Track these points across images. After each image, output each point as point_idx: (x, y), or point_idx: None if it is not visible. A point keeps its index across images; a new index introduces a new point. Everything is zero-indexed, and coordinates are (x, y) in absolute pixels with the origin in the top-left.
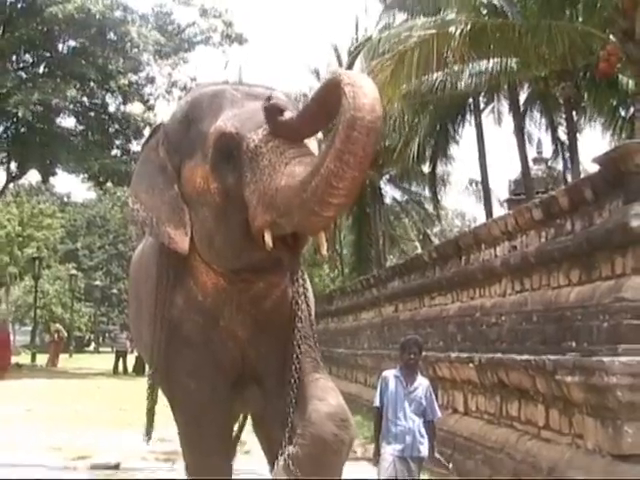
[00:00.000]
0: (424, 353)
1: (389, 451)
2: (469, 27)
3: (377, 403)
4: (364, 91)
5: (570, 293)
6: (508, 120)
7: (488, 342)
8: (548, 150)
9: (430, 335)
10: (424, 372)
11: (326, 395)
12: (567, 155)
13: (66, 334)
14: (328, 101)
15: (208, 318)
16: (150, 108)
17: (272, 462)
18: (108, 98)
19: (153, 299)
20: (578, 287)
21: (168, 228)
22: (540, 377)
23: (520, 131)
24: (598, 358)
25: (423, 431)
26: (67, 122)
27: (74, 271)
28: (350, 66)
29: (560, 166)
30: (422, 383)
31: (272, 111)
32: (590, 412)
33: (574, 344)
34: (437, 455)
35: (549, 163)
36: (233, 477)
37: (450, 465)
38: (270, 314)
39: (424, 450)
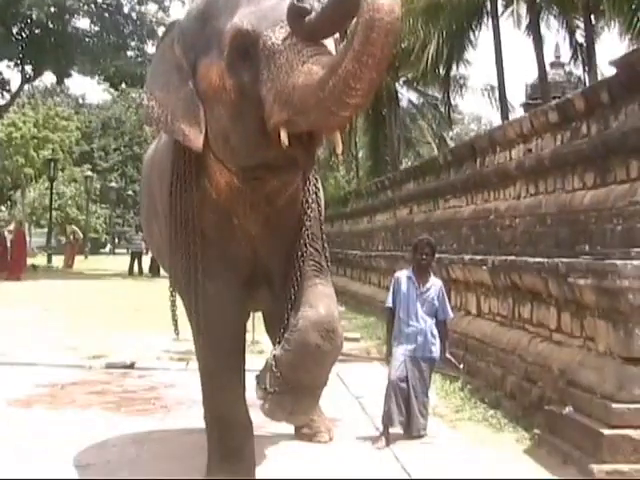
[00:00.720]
0: (438, 255)
1: (400, 351)
2: None
3: (389, 303)
4: None
5: (584, 196)
6: (526, 24)
7: (502, 245)
8: (566, 55)
9: (444, 237)
10: (437, 273)
11: (318, 302)
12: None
13: (82, 236)
14: (347, 1)
15: (222, 216)
16: (164, 9)
17: None
18: None
19: (168, 196)
20: (592, 190)
21: (182, 125)
22: (552, 280)
23: (537, 34)
24: (610, 261)
25: (435, 332)
26: (81, 23)
27: (89, 173)
28: None
29: (579, 71)
30: (435, 284)
31: (296, 12)
32: (602, 315)
33: (587, 247)
34: (448, 355)
35: (567, 67)
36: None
37: (461, 365)
38: (282, 213)
39: (436, 351)
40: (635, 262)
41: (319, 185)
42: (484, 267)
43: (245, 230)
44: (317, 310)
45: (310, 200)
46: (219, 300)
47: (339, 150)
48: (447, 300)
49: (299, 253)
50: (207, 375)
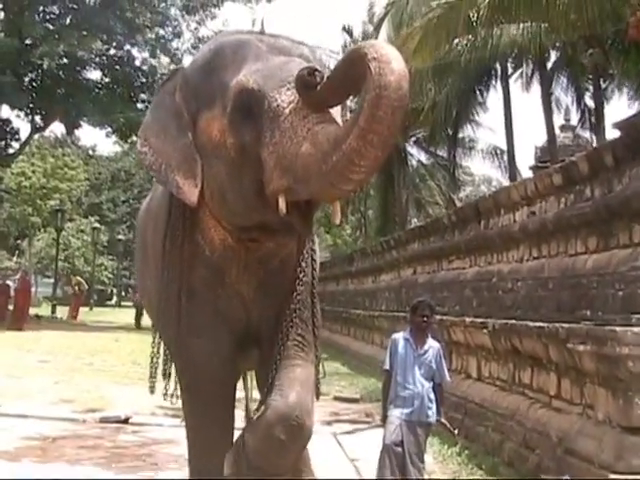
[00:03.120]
0: (440, 317)
1: (396, 414)
2: None
3: (387, 366)
4: (391, 67)
5: (587, 260)
6: (536, 87)
7: (503, 308)
8: (575, 118)
9: (446, 299)
10: (439, 336)
11: (289, 390)
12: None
13: (87, 287)
14: (352, 73)
15: (214, 273)
16: (176, 63)
17: None
18: (134, 51)
19: (160, 248)
20: (595, 255)
21: (177, 176)
22: (553, 345)
23: (547, 97)
24: (611, 327)
25: (432, 396)
26: (92, 74)
27: (97, 224)
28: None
29: (587, 134)
30: (433, 346)
31: (304, 84)
32: (601, 382)
33: (588, 312)
34: (443, 420)
35: (575, 131)
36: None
37: (456, 431)
38: (276, 276)
39: (432, 415)
40: (635, 329)
41: (315, 247)
42: (485, 330)
43: (237, 290)
44: (286, 400)
45: (304, 264)
46: (208, 359)
47: (337, 220)
48: (444, 363)
49: (286, 322)
50: (193, 435)
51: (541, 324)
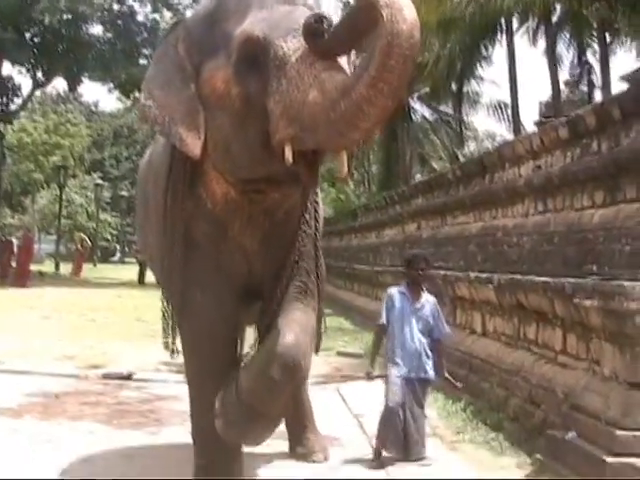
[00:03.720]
0: (444, 272)
1: (395, 372)
2: None
3: (383, 320)
4: (403, 15)
5: (593, 215)
6: (541, 42)
7: (508, 263)
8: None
9: (451, 254)
10: (437, 289)
11: (287, 331)
12: (594, 78)
13: (90, 244)
14: (362, 21)
15: (217, 227)
16: (179, 17)
17: None
18: (136, 6)
19: (162, 203)
20: (602, 209)
21: (181, 129)
22: (558, 300)
23: (552, 52)
24: (618, 282)
25: (429, 352)
26: (94, 30)
27: (100, 181)
28: None
29: (586, 90)
30: (429, 300)
31: (312, 31)
32: (608, 338)
33: (595, 267)
34: (447, 375)
35: (579, 86)
36: None
37: (460, 384)
38: (278, 228)
39: (430, 371)
40: None
41: (319, 200)
42: (490, 285)
43: (240, 243)
44: (285, 339)
45: (307, 217)
46: (210, 315)
47: (343, 172)
48: (442, 317)
49: (287, 272)
50: (195, 391)
51: (547, 279)
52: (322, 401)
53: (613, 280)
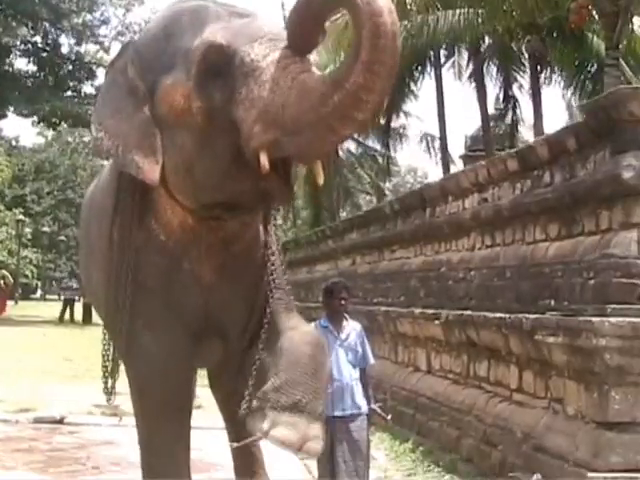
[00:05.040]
0: (386, 308)
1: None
2: None
3: None
4: None
5: (548, 248)
6: (466, 75)
7: (455, 298)
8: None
9: (390, 290)
10: (382, 326)
11: (299, 324)
12: (518, 112)
13: (12, 281)
14: (326, 11)
15: (171, 260)
16: (106, 50)
17: (231, 418)
18: (61, 39)
19: (107, 238)
20: (557, 242)
21: (136, 156)
22: (514, 337)
23: (481, 85)
24: (585, 318)
25: (360, 384)
26: (18, 63)
27: (21, 216)
28: None
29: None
30: (355, 327)
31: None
32: (572, 376)
33: (553, 302)
34: (374, 406)
35: (505, 120)
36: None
37: (389, 416)
38: (240, 258)
39: (365, 406)
40: (612, 319)
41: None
42: (437, 322)
43: (197, 276)
44: (301, 329)
45: (271, 244)
46: (162, 353)
47: (320, 180)
48: (368, 344)
49: (266, 297)
50: (148, 436)
51: (501, 315)
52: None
53: (576, 315)
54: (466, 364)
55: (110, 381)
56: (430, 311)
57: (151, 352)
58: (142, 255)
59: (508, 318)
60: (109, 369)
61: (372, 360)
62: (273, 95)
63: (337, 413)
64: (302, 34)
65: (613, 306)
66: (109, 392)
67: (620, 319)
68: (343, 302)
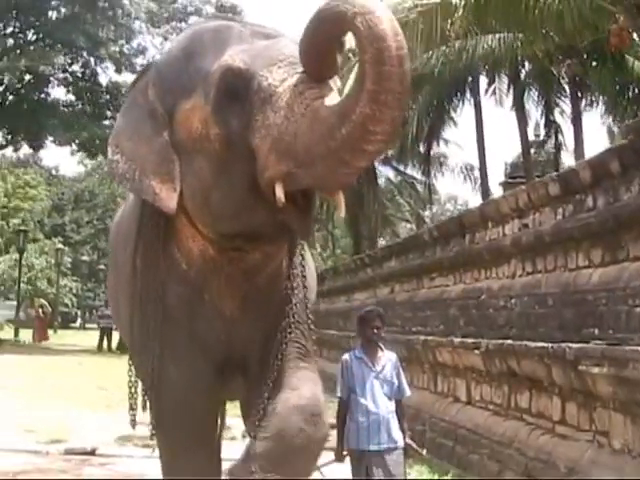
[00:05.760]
0: (424, 337)
1: (361, 448)
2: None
3: (339, 393)
4: (378, 16)
5: (591, 275)
6: (507, 101)
7: (495, 327)
8: (542, 133)
9: (430, 318)
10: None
11: (301, 385)
12: (561, 138)
13: (50, 309)
14: (330, 34)
15: (192, 290)
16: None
17: None
18: (99, 68)
19: (131, 267)
20: (601, 268)
21: (153, 182)
22: (557, 367)
23: (521, 111)
24: (632, 348)
25: (396, 417)
26: (57, 92)
27: (60, 245)
28: None
29: (552, 150)
30: (390, 358)
31: (309, 49)
32: (618, 407)
33: (597, 331)
34: (408, 440)
35: (545, 147)
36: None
37: (424, 451)
38: (263, 291)
39: (401, 440)
40: None
41: (309, 258)
42: (477, 351)
43: (218, 309)
44: (300, 393)
45: (296, 277)
46: (185, 391)
47: (342, 212)
48: (403, 375)
49: (281, 337)
50: (170, 472)
51: (543, 344)
52: None
53: (623, 345)
54: (507, 395)
55: (138, 413)
56: (470, 340)
57: (175, 387)
58: (166, 285)
59: (550, 347)
60: (136, 401)
61: (408, 392)
62: (287, 122)
63: (373, 447)
64: (316, 61)
65: None
66: (135, 424)
67: None
68: (376, 330)
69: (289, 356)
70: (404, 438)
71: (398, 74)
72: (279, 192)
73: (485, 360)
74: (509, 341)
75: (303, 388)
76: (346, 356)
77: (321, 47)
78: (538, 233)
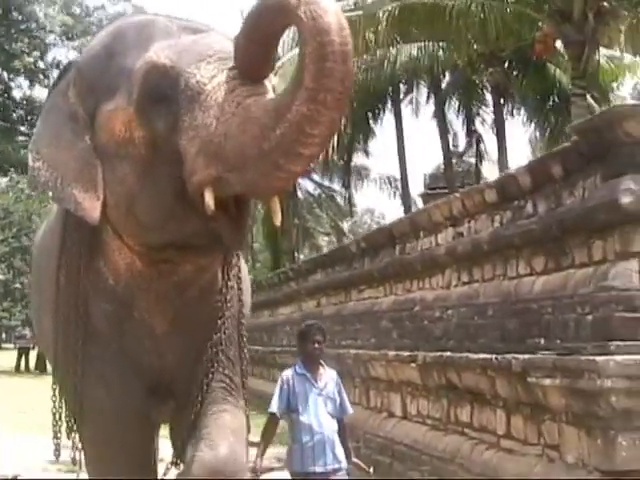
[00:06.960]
0: (355, 351)
1: (307, 470)
2: (397, 10)
3: (274, 408)
4: (323, 7)
5: (534, 283)
6: (424, 112)
7: (431, 339)
8: (462, 143)
9: (360, 331)
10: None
11: (219, 440)
12: (482, 148)
13: None
14: (272, 27)
15: (121, 307)
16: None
17: None
18: (12, 83)
19: (54, 284)
20: (544, 276)
21: (75, 190)
22: (502, 378)
23: (442, 121)
24: (587, 358)
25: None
26: None
27: None
28: None
29: (473, 160)
30: (332, 375)
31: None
32: (571, 420)
33: (543, 341)
34: (355, 459)
35: (464, 157)
36: None
37: (371, 469)
38: (195, 306)
39: (344, 460)
40: (617, 358)
41: (244, 271)
42: (413, 364)
43: (148, 326)
44: (217, 451)
45: (230, 290)
46: (116, 412)
47: (277, 220)
48: (344, 393)
49: (205, 365)
50: None
51: (486, 356)
52: None
53: (575, 355)
54: (446, 409)
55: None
56: (405, 353)
57: (106, 409)
58: (91, 301)
59: (495, 359)
60: (60, 428)
61: (351, 410)
62: (217, 123)
63: (318, 469)
64: (252, 57)
65: (617, 343)
66: (59, 452)
67: (626, 357)
68: (317, 345)
69: (213, 393)
70: (350, 457)
71: (340, 72)
72: (208, 198)
73: (422, 373)
74: (448, 353)
75: (221, 445)
76: (287, 372)
77: (261, 41)
78: (475, 241)
